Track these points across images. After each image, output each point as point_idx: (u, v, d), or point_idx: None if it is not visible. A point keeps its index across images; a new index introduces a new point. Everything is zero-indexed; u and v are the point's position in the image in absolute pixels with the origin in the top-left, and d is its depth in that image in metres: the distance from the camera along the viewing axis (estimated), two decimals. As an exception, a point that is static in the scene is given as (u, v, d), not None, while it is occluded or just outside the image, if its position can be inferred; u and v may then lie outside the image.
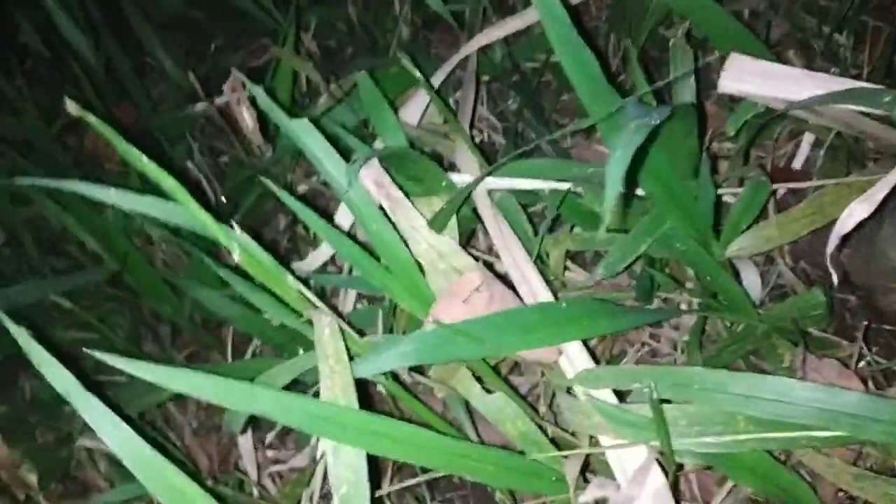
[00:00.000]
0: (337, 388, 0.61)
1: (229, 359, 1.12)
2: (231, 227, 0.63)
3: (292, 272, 0.67)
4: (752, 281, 0.88)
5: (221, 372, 0.62)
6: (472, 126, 1.12)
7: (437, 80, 1.01)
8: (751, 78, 0.78)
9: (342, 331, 0.66)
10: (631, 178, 0.81)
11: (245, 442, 1.01)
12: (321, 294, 1.05)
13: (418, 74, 0.78)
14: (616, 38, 1.12)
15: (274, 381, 0.70)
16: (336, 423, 0.57)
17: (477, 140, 1.14)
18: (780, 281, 0.94)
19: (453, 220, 0.78)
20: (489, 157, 0.97)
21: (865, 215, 0.62)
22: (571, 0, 1.06)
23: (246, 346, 1.13)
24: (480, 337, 0.65)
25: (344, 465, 0.59)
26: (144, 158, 0.56)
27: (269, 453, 1.04)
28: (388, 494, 0.88)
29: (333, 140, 0.73)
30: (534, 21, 1.01)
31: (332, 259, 1.03)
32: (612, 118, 0.67)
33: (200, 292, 1.02)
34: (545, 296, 0.75)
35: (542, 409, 0.87)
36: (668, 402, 0.64)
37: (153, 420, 1.15)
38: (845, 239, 0.87)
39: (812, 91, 0.77)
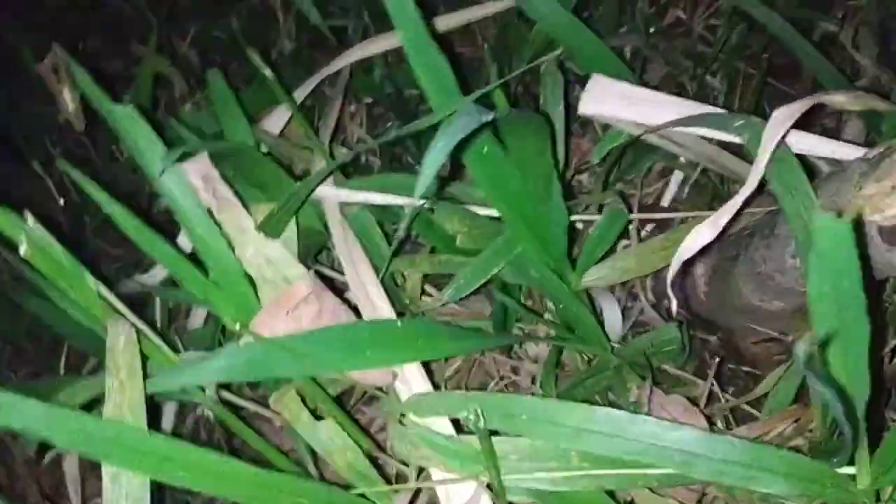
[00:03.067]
0: (125, 404, 0.53)
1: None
2: (25, 220, 0.56)
3: (102, 278, 0.60)
4: (612, 315, 0.85)
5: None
6: (342, 144, 1.08)
7: (302, 93, 0.96)
8: (612, 100, 0.76)
9: (149, 343, 0.59)
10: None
11: (70, 465, 0.91)
12: (173, 312, 0.98)
13: (269, 72, 0.72)
14: (497, 67, 1.10)
15: (72, 398, 0.62)
16: (114, 445, 0.49)
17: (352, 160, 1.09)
18: (643, 317, 0.92)
19: (292, 230, 0.72)
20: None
21: (709, 239, 0.59)
22: (452, 25, 1.03)
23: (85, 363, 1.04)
24: (302, 353, 0.59)
25: (123, 493, 0.51)
26: None
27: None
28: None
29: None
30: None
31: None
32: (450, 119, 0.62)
33: (35, 305, 0.93)
34: (388, 316, 0.70)
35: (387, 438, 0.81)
36: (497, 433, 0.60)
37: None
38: (707, 278, 0.87)
39: (672, 115, 0.75)
